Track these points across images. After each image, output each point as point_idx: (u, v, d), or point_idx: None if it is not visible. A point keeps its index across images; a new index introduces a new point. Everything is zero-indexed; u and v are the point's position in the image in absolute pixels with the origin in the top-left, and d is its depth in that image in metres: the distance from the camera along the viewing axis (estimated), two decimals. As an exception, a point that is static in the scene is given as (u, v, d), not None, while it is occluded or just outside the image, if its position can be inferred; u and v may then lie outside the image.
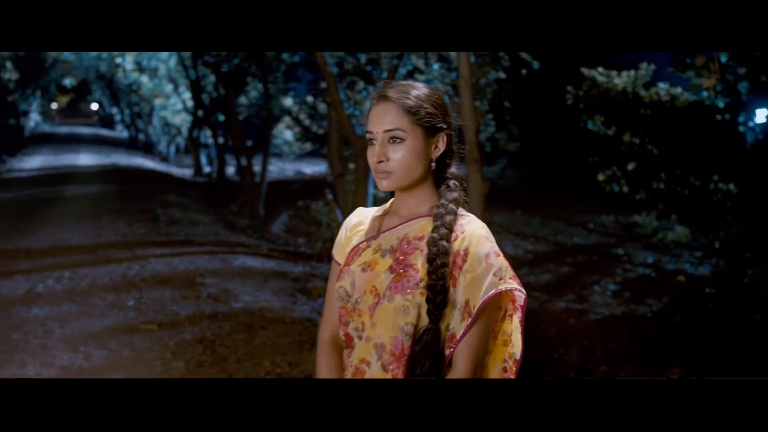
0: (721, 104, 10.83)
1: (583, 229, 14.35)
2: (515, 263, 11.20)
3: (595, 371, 7.05)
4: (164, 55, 22.33)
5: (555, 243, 13.23)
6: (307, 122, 22.86)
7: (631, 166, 11.35)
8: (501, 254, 2.14)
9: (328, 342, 2.34)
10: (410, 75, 10.42)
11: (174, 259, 9.76)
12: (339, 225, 2.46)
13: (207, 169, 24.05)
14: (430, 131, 2.20)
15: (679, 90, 11.13)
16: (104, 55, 24.75)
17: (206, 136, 24.03)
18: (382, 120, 2.18)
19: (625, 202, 12.39)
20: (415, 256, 2.16)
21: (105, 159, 25.75)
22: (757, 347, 7.63)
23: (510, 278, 2.11)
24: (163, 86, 24.66)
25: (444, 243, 2.10)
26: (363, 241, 2.29)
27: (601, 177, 11.60)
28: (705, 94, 10.98)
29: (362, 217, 2.40)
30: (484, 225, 2.19)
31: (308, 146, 24.64)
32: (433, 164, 2.23)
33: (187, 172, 24.41)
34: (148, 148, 32.46)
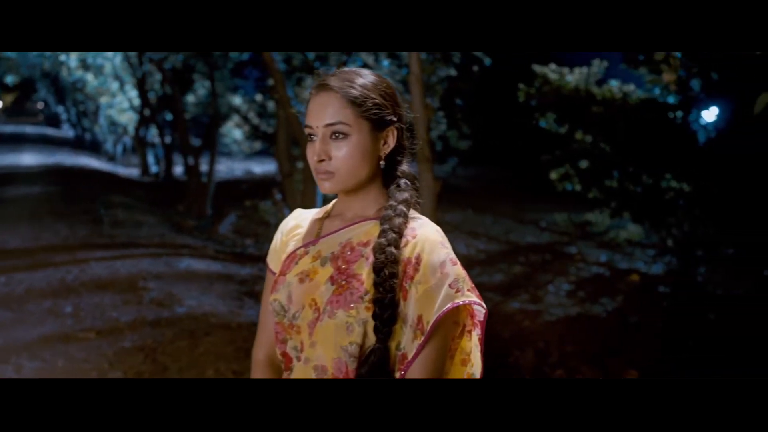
0: (672, 101, 10.76)
1: (536, 228, 14.26)
2: (467, 263, 11.09)
3: (552, 374, 6.87)
4: (109, 52, 21.85)
5: (507, 242, 13.11)
6: (256, 121, 22.56)
7: (583, 165, 11.22)
8: (458, 263, 1.88)
9: (263, 363, 2.08)
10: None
11: (116, 262, 9.40)
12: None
13: (154, 169, 23.63)
14: (377, 125, 1.93)
15: (631, 87, 11.03)
16: (47, 52, 24.15)
17: (153, 135, 23.61)
18: (323, 112, 1.91)
19: (578, 200, 12.28)
20: (360, 264, 1.89)
21: (49, 159, 25.11)
22: (712, 347, 7.55)
23: (468, 290, 1.85)
24: (108, 84, 24.13)
25: (392, 250, 1.84)
26: (300, 247, 2.01)
27: (553, 175, 11.46)
28: (657, 91, 10.91)
29: (300, 219, 2.12)
30: (438, 229, 1.92)
31: (258, 145, 24.39)
32: (382, 162, 1.96)
33: (134, 172, 23.97)
34: (94, 148, 31.85)
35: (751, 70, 9.21)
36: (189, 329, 7.01)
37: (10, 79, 32.14)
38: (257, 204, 14.19)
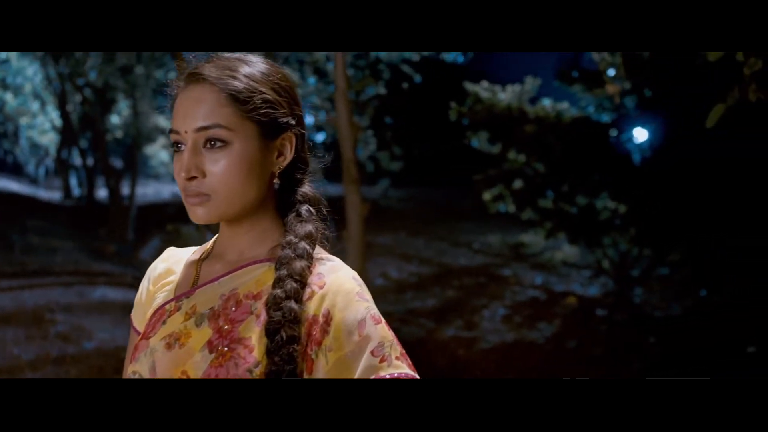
0: (606, 119, 10.59)
1: (469, 250, 13.94)
2: (399, 287, 10.72)
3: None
4: (30, 71, 21.16)
5: (441, 265, 12.75)
6: (182, 142, 22.01)
7: (517, 185, 10.94)
8: (383, 320, 1.39)
9: None
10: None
11: (23, 292, 8.76)
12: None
13: (77, 192, 22.89)
14: (269, 130, 1.44)
15: (565, 105, 10.80)
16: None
17: (77, 156, 22.91)
18: (194, 112, 1.40)
19: (512, 221, 12.01)
20: (248, 325, 1.38)
21: (-35, 182, 24.18)
22: (656, 372, 7.34)
23: (397, 359, 1.36)
24: (29, 104, 23.35)
25: (292, 304, 1.34)
26: (170, 300, 1.49)
27: (486, 196, 11.14)
28: (591, 109, 10.73)
29: (172, 262, 1.60)
30: (354, 275, 1.43)
31: (186, 167, 23.79)
32: (276, 181, 1.47)
33: (56, 195, 23.17)
34: (16, 170, 30.88)
35: (686, 86, 9.05)
36: (97, 366, 6.47)
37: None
38: (179, 228, 13.59)
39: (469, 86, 11.28)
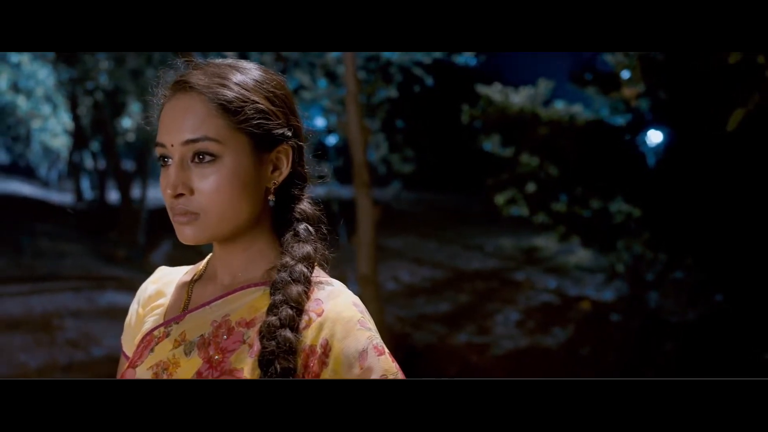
0: (620, 122, 10.49)
1: (482, 254, 13.83)
2: (411, 291, 10.63)
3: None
4: (42, 74, 21.16)
5: (453, 269, 12.64)
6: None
7: (530, 188, 10.85)
8: (386, 350, 1.27)
9: None
10: (295, 93, 9.63)
11: (32, 297, 8.69)
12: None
13: (90, 195, 22.89)
14: (263, 142, 1.33)
15: (578, 108, 10.69)
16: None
17: (89, 159, 22.93)
18: (181, 124, 1.30)
19: (525, 225, 11.91)
20: (240, 355, 1.27)
21: (-23, 185, 24.21)
22: (669, 377, 7.16)
23: None
24: (40, 107, 23.36)
25: (287, 333, 1.23)
26: (159, 326, 1.39)
27: (499, 200, 11.05)
28: (605, 111, 10.64)
29: (163, 283, 1.51)
30: (356, 300, 1.32)
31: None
32: (272, 197, 1.36)
33: (67, 198, 23.17)
34: (29, 173, 30.93)
35: (701, 89, 8.94)
36: (106, 373, 6.38)
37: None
38: (191, 233, 13.53)
39: (482, 89, 11.18)
